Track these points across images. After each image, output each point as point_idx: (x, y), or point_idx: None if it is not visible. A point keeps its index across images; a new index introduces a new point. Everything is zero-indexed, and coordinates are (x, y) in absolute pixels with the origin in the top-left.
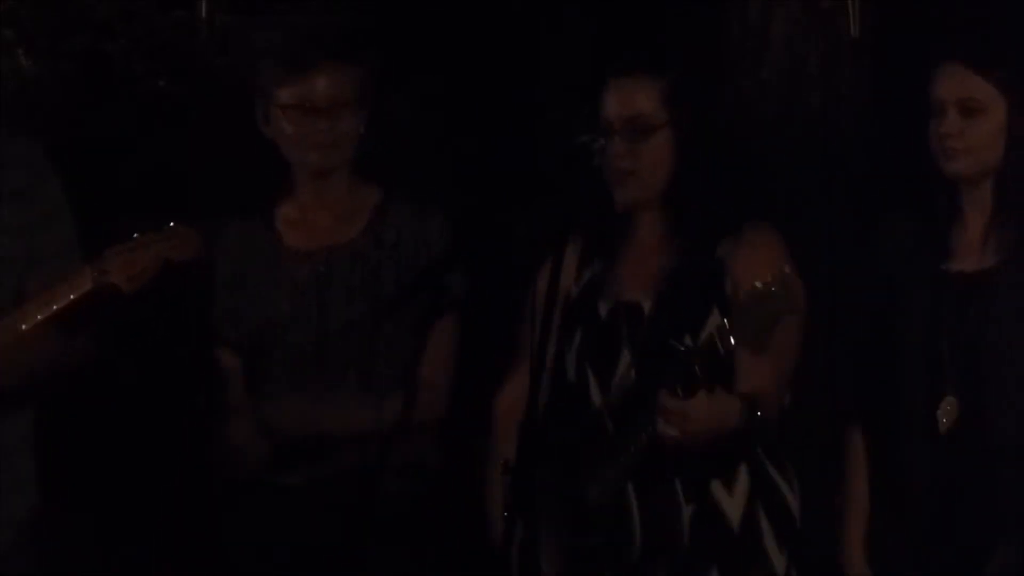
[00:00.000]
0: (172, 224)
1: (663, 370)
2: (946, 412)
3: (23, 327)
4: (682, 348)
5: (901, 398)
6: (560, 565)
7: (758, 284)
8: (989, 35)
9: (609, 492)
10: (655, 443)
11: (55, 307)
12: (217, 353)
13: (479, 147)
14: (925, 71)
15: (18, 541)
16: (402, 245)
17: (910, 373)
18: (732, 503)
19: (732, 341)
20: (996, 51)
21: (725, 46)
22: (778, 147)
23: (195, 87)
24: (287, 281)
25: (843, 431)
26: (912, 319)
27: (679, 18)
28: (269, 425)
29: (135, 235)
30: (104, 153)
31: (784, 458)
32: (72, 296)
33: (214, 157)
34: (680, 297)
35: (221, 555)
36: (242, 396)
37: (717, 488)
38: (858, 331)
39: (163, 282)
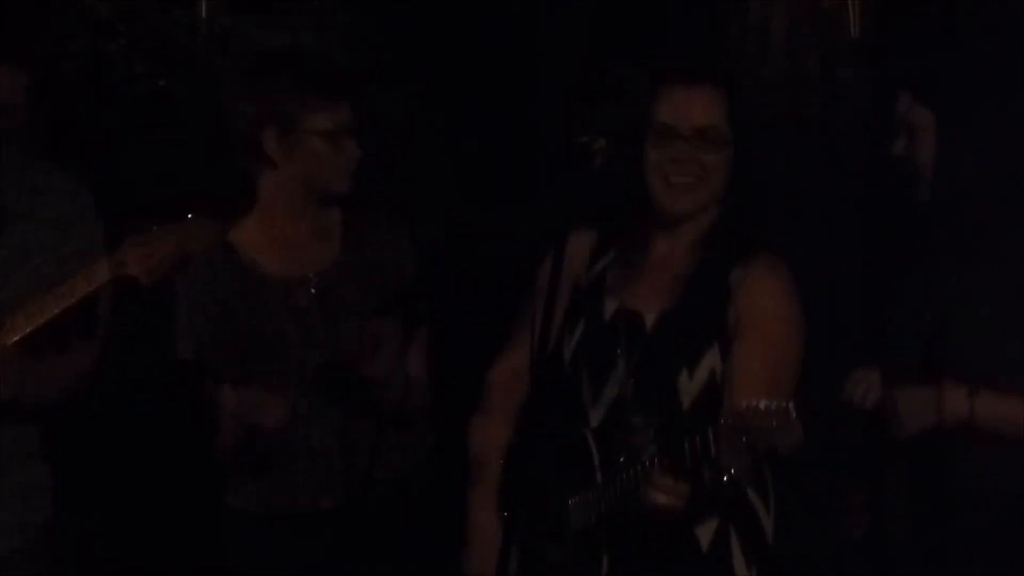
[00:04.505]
0: (190, 216)
1: (655, 423)
2: None
3: (41, 320)
4: (684, 441)
5: None
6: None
7: (760, 405)
8: None
9: (589, 518)
10: (636, 492)
11: (72, 299)
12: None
13: (479, 147)
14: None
15: (27, 548)
16: (385, 260)
17: None
18: (703, 525)
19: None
20: None
21: (725, 46)
22: (778, 147)
23: (195, 87)
24: (284, 308)
25: None
26: None
27: (679, 18)
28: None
29: (154, 228)
30: (104, 153)
31: (763, 476)
32: (89, 287)
33: (214, 157)
34: (683, 323)
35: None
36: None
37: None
38: None
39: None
